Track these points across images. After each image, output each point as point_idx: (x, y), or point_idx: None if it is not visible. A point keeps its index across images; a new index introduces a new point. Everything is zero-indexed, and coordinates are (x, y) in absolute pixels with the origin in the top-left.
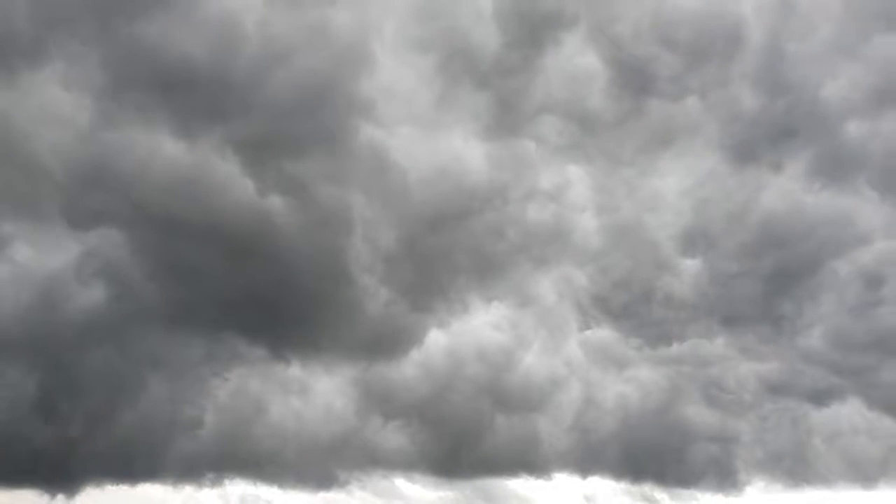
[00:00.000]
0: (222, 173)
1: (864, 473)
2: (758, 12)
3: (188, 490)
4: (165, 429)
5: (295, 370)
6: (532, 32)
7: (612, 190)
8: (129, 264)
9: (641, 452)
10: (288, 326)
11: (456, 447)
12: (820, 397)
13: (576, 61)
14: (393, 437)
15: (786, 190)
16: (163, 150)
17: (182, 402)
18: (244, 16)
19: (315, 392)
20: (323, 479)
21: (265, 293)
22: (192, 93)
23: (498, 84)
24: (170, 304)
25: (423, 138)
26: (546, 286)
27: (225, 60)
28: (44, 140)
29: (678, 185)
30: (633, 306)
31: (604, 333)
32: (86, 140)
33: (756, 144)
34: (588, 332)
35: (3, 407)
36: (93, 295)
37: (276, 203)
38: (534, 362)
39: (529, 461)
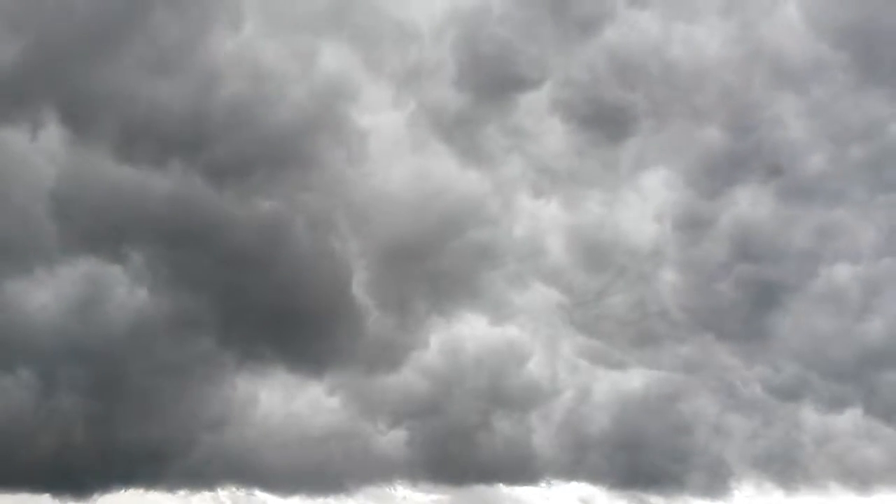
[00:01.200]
0: (211, 200)
1: (859, 479)
2: (726, 58)
3: (181, 494)
4: (174, 436)
5: (290, 377)
6: (493, 93)
7: (586, 210)
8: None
9: (635, 459)
10: (285, 336)
11: (452, 454)
12: (814, 404)
13: (538, 117)
14: (389, 443)
15: (757, 211)
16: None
17: (190, 409)
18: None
19: (310, 399)
20: (319, 485)
21: (260, 306)
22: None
23: (461, 138)
24: (177, 320)
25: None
26: (531, 300)
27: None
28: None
29: (651, 204)
30: (617, 318)
31: (593, 344)
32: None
33: (725, 173)
34: (577, 343)
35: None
36: (109, 312)
37: (267, 224)
38: (526, 372)
39: (524, 468)
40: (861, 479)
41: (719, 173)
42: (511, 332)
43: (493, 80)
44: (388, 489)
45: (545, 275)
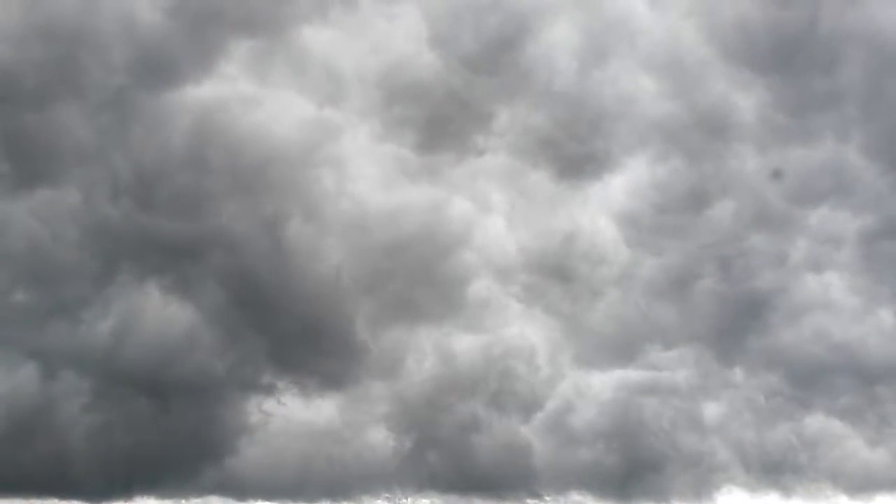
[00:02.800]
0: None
1: (853, 484)
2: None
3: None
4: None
5: (289, 388)
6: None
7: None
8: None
9: (628, 468)
10: (283, 350)
11: (447, 463)
12: (808, 409)
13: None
14: (385, 451)
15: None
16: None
17: (204, 425)
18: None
19: (308, 408)
20: (318, 493)
21: (259, 323)
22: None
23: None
24: (184, 338)
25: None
26: (513, 315)
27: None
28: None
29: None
30: (599, 330)
31: (579, 354)
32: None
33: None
34: (564, 354)
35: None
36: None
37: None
38: (517, 382)
39: (517, 479)
40: (857, 483)
41: (682, 199)
42: (497, 344)
43: (449, 135)
44: (385, 496)
45: (523, 291)
